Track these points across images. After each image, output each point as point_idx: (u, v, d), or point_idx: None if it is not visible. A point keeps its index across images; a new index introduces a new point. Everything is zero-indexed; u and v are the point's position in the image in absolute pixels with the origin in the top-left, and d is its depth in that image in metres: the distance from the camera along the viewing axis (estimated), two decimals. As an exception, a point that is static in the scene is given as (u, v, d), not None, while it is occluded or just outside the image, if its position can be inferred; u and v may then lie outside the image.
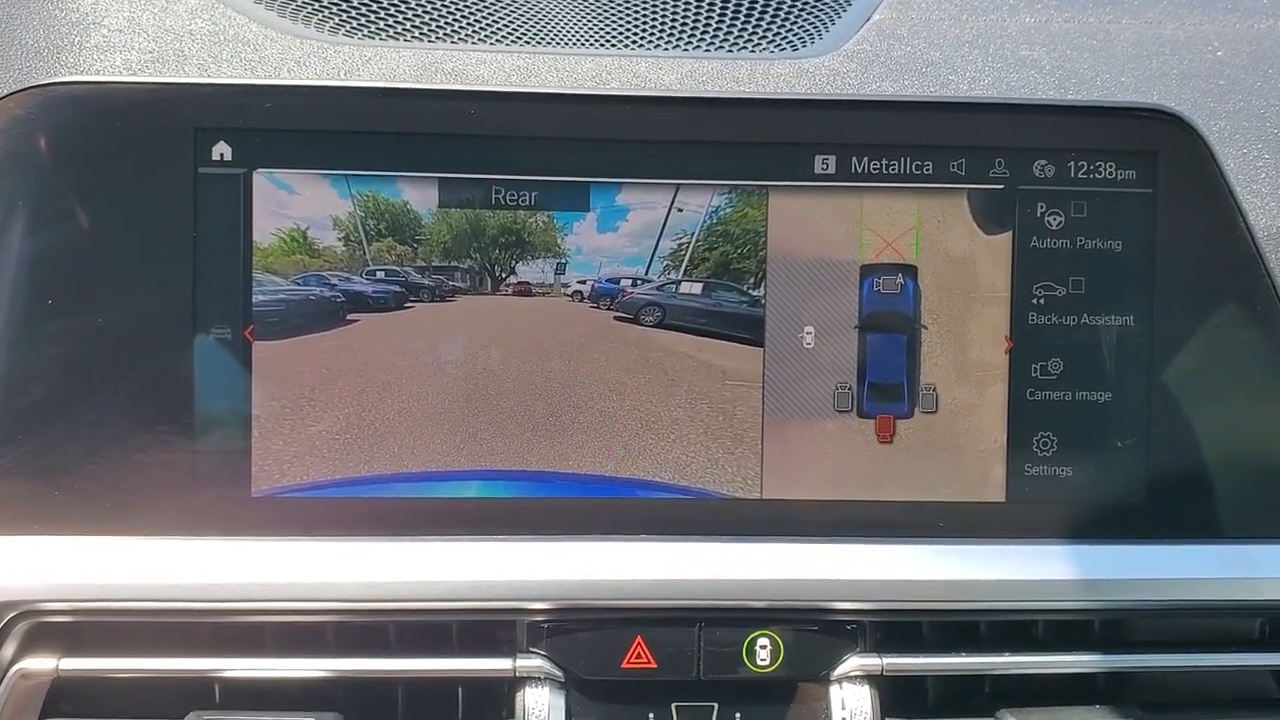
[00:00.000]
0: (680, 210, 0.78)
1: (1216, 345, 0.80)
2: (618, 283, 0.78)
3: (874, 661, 0.78)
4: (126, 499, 0.76)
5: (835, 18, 0.92)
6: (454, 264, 0.78)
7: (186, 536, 0.76)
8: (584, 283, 0.78)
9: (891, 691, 0.79)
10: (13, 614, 0.75)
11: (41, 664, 0.75)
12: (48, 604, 0.75)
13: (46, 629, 0.76)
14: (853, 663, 0.79)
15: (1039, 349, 0.79)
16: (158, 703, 0.77)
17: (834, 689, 0.79)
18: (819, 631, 0.79)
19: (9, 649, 0.75)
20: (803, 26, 0.91)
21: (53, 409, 0.75)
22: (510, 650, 0.78)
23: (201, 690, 0.78)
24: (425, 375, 0.77)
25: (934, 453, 0.79)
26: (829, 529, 0.79)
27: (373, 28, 0.87)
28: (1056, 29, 0.91)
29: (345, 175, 0.77)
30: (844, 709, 0.78)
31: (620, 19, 0.92)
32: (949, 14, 0.92)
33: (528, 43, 0.87)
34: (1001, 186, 0.79)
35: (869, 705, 0.78)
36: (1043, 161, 0.79)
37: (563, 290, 0.78)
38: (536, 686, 0.77)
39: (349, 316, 0.77)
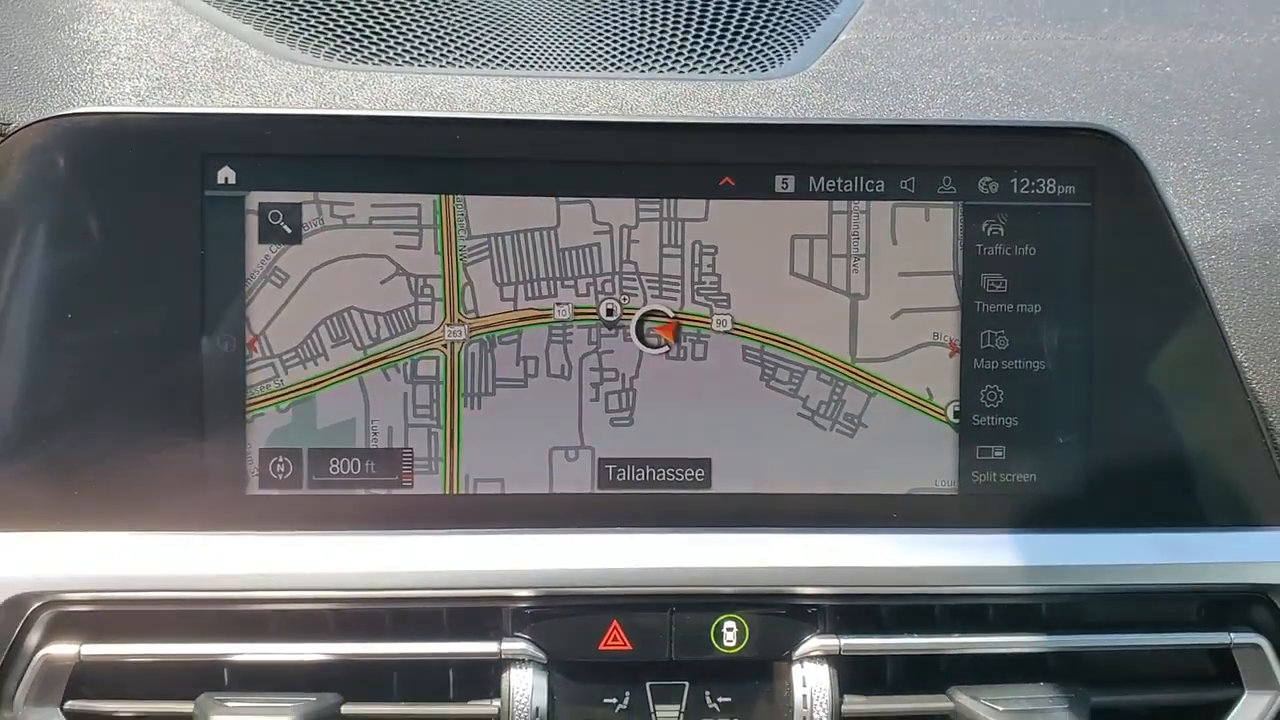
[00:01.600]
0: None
1: (1151, 349, 0.85)
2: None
3: (833, 642, 0.83)
4: (141, 497, 0.81)
5: (804, 38, 0.97)
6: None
7: (196, 531, 0.81)
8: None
9: (850, 670, 0.84)
10: (37, 604, 0.79)
11: (64, 650, 0.80)
12: (69, 594, 0.80)
13: (68, 618, 0.81)
14: (813, 643, 0.83)
15: (985, 354, 0.84)
16: (172, 685, 0.82)
17: (796, 668, 0.83)
18: (782, 615, 0.83)
19: (34, 636, 0.80)
20: (772, 47, 0.96)
21: (72, 415, 0.80)
22: (497, 635, 0.82)
23: (212, 673, 0.83)
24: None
25: (889, 449, 0.85)
26: (792, 520, 0.84)
27: (366, 53, 0.92)
28: (1015, 46, 0.96)
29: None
30: (805, 686, 0.82)
31: (601, 42, 0.97)
32: (913, 33, 0.97)
33: (513, 65, 0.92)
34: (949, 202, 0.84)
35: (828, 683, 0.82)
36: (988, 179, 0.84)
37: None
38: (521, 667, 0.82)
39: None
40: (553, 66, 0.93)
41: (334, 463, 0.83)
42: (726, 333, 0.84)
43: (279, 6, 0.96)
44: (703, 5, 1.02)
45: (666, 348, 0.84)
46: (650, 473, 0.84)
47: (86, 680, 0.82)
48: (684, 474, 0.84)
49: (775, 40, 0.97)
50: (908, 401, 0.85)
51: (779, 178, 0.83)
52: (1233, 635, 0.86)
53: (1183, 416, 0.85)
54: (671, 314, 0.83)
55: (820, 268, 0.83)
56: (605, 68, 0.93)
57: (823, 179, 0.83)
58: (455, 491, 0.83)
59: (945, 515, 0.85)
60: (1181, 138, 0.90)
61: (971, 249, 0.84)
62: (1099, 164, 0.84)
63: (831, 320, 0.84)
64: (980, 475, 0.85)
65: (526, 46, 0.95)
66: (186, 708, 0.80)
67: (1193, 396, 0.86)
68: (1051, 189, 0.84)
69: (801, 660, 0.84)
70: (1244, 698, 0.86)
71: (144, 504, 0.81)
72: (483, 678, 0.83)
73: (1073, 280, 0.84)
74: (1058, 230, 0.84)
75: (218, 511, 0.82)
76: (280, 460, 0.82)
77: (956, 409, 0.85)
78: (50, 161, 0.81)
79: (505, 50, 0.94)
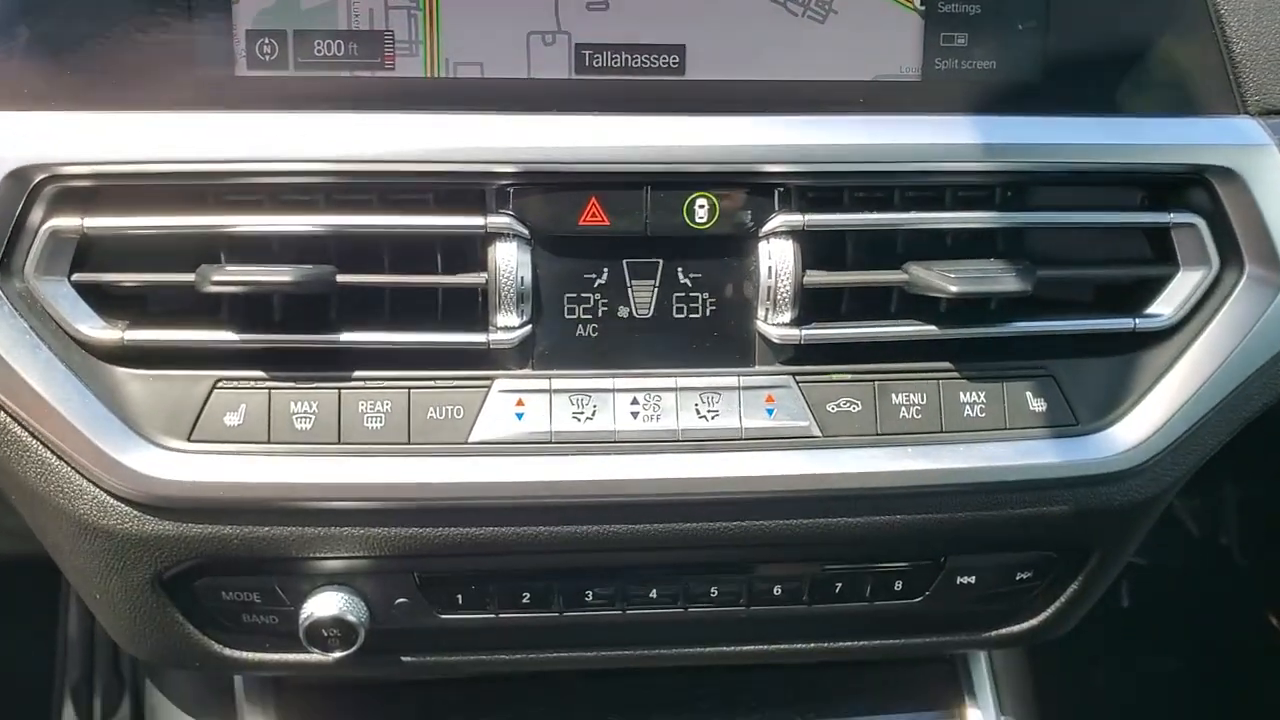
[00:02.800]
0: None
1: None
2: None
3: (797, 219, 0.87)
4: (135, 78, 0.83)
5: None
6: None
7: (189, 110, 0.83)
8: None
9: (813, 247, 0.88)
10: (41, 177, 0.82)
11: (68, 222, 0.83)
12: (70, 167, 0.82)
13: (71, 193, 0.83)
14: (779, 220, 0.87)
15: None
16: (170, 259, 0.85)
17: (762, 244, 0.87)
18: (750, 193, 0.87)
19: (39, 211, 0.83)
20: None
21: None
22: (481, 210, 0.86)
23: (208, 251, 0.86)
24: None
25: (858, 35, 0.87)
26: (762, 105, 0.87)
27: None
28: None
29: None
30: (770, 259, 0.87)
31: None
32: None
33: None
34: None
35: (792, 257, 0.87)
36: None
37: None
38: (505, 241, 0.85)
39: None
40: None
41: (318, 44, 0.85)
42: (701, -86, 0.85)
43: None
44: None
45: (642, -71, 0.85)
46: (626, 59, 0.87)
47: (92, 256, 0.86)
48: (659, 60, 0.87)
49: None
50: (877, -13, 0.87)
51: None
52: (1172, 215, 0.91)
53: (1138, 7, 0.88)
54: (647, -107, 0.85)
55: None
56: None
57: None
58: (436, 74, 0.86)
59: (909, 100, 0.88)
60: None
61: None
62: None
63: (804, -97, 0.85)
64: (943, 62, 0.88)
65: None
66: (188, 278, 0.84)
67: (1142, -7, 0.89)
68: None
69: (768, 237, 0.87)
70: (1179, 274, 0.92)
71: (138, 84, 0.83)
72: (469, 254, 0.87)
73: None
74: None
75: (208, 91, 0.84)
76: (266, 41, 0.84)
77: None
78: None
79: None
